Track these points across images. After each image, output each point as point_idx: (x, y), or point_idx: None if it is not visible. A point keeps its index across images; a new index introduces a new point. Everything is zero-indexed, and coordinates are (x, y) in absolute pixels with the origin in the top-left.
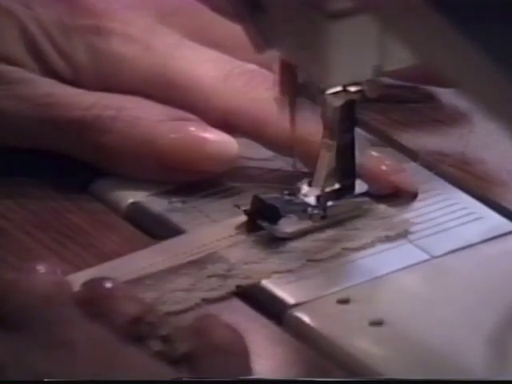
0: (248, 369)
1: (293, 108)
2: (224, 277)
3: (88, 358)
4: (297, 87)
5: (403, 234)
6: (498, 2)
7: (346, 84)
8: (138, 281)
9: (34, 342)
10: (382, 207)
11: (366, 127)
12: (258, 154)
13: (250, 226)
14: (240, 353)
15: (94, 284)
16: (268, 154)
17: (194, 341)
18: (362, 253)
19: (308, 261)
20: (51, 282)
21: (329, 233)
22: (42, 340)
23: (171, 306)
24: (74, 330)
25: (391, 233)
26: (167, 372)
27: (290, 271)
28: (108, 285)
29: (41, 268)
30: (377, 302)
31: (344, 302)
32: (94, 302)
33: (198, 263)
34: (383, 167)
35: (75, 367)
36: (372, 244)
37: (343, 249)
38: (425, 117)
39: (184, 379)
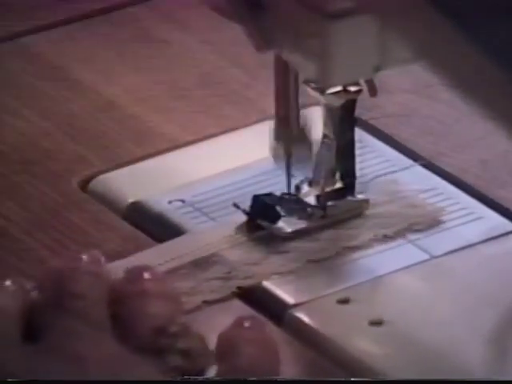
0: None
1: (289, 156)
2: (224, 279)
3: (100, 373)
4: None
5: (402, 234)
6: (497, 2)
7: (346, 84)
8: None
9: (48, 354)
10: (381, 207)
11: (366, 127)
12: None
13: (250, 226)
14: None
15: (132, 278)
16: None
17: (218, 358)
18: (362, 253)
19: (308, 261)
20: (92, 272)
21: (329, 233)
22: (55, 352)
23: None
24: (89, 344)
25: (390, 232)
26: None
27: (290, 271)
28: (147, 276)
29: (84, 257)
30: (377, 302)
31: (344, 301)
32: (126, 299)
33: (198, 265)
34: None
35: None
36: (371, 244)
37: (343, 249)
38: (425, 116)
39: (184, 379)
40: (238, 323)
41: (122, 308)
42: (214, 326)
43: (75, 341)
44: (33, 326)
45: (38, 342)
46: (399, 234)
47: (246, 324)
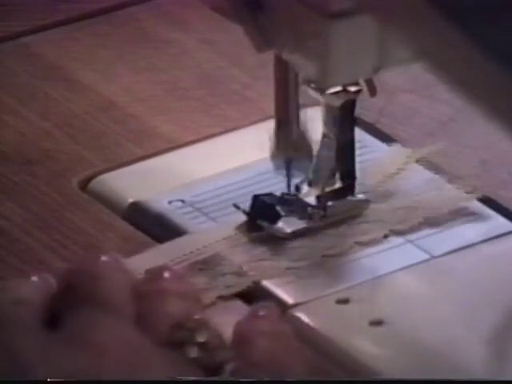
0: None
1: (289, 156)
2: (225, 280)
3: (117, 360)
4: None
5: (402, 234)
6: (497, 2)
7: (346, 84)
8: None
9: (67, 342)
10: (381, 206)
11: (366, 127)
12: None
13: (250, 226)
14: (279, 370)
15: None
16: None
17: (234, 351)
18: (362, 253)
19: (308, 261)
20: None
21: (329, 232)
22: (75, 340)
23: None
24: (106, 332)
25: (390, 232)
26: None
27: (289, 271)
28: (166, 275)
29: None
30: (377, 302)
31: (344, 301)
32: (146, 297)
33: (198, 267)
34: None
35: (103, 369)
36: (371, 243)
37: (343, 249)
38: (425, 116)
39: (184, 379)
40: (254, 313)
41: (142, 306)
42: (214, 326)
43: (94, 329)
44: (56, 318)
45: (58, 332)
46: (400, 234)
47: (261, 313)
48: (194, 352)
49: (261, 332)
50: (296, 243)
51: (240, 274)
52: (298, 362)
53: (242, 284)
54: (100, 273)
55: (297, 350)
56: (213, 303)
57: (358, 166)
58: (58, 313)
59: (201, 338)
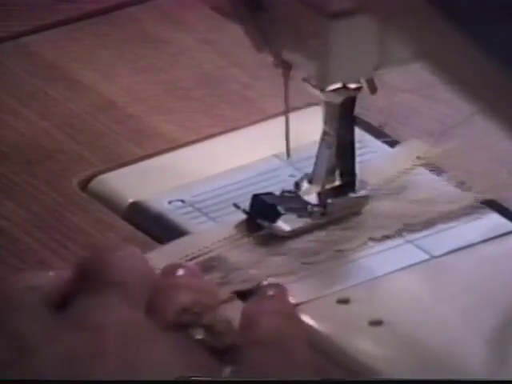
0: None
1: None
2: (225, 282)
3: (117, 340)
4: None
5: (402, 233)
6: (498, 2)
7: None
8: None
9: (70, 323)
10: (381, 205)
11: (366, 127)
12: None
13: (250, 226)
14: (287, 349)
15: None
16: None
17: (239, 332)
18: (362, 253)
19: (308, 261)
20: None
21: (329, 232)
22: (77, 321)
23: None
24: (109, 313)
25: (390, 232)
26: (205, 362)
27: (290, 272)
28: (181, 272)
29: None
30: (377, 302)
31: (344, 301)
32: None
33: (200, 267)
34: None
35: (103, 348)
36: (371, 243)
37: (343, 249)
38: (425, 116)
39: (184, 379)
40: (262, 294)
41: (155, 298)
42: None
43: (96, 310)
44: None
45: (63, 313)
46: (397, 233)
47: (269, 292)
48: (199, 333)
49: (267, 311)
50: (294, 244)
51: (226, 279)
52: (305, 342)
53: (244, 284)
54: (114, 259)
55: (304, 329)
56: (229, 298)
57: (362, 166)
58: (69, 299)
59: (207, 321)
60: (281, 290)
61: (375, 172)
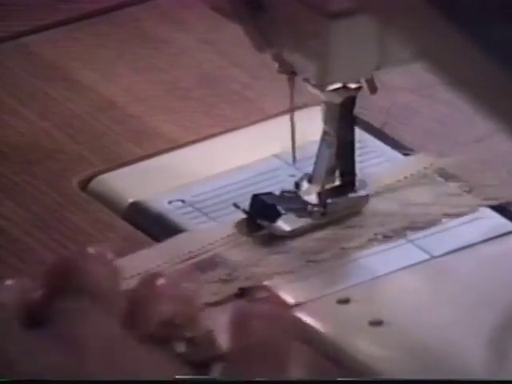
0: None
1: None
2: (225, 281)
3: (100, 354)
4: None
5: (402, 233)
6: (498, 2)
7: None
8: None
9: (48, 336)
10: (381, 205)
11: (366, 127)
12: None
13: (250, 226)
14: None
15: (147, 282)
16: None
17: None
18: (362, 253)
19: (308, 261)
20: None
21: (328, 232)
22: (55, 334)
23: None
24: (88, 325)
25: (390, 231)
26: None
27: (290, 271)
28: (160, 282)
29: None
30: (377, 302)
31: (344, 301)
32: (139, 302)
33: (198, 267)
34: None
35: (86, 363)
36: (371, 243)
37: (343, 248)
38: (425, 116)
39: (184, 379)
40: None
41: (133, 308)
42: (214, 326)
43: (75, 322)
44: (36, 317)
45: (40, 329)
46: (399, 233)
47: (260, 295)
48: (181, 347)
49: (257, 315)
50: (294, 244)
51: (228, 280)
52: (295, 345)
53: (240, 286)
54: (84, 266)
55: (293, 332)
56: (214, 303)
57: (365, 172)
58: (38, 312)
59: (189, 334)
60: (271, 293)
61: (379, 179)
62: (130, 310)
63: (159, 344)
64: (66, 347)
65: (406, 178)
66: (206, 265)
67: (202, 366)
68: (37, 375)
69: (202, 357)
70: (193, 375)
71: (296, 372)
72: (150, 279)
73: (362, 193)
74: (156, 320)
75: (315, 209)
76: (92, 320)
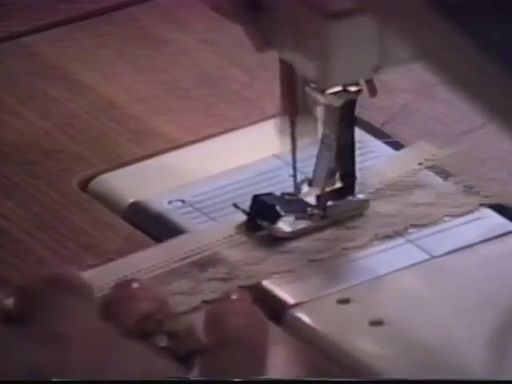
0: (260, 367)
1: (293, 126)
2: (224, 279)
3: (85, 351)
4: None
5: (402, 234)
6: (498, 2)
7: (346, 84)
8: None
9: (31, 335)
10: (381, 206)
11: (366, 127)
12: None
13: (250, 226)
14: (252, 349)
15: (122, 286)
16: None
17: (208, 335)
18: (362, 253)
19: (308, 261)
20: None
21: (328, 232)
22: (39, 333)
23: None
24: (72, 323)
25: (390, 232)
26: (170, 368)
27: (290, 271)
28: (135, 285)
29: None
30: (377, 302)
31: (344, 301)
32: (115, 303)
33: (198, 265)
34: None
35: (71, 360)
36: (371, 243)
37: (343, 249)
38: (425, 116)
39: (184, 379)
40: (225, 297)
41: (111, 308)
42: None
43: (57, 319)
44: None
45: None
46: (399, 233)
47: (233, 297)
48: (163, 341)
49: (232, 311)
50: (293, 244)
51: (227, 278)
52: (270, 340)
53: (239, 285)
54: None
55: (268, 327)
56: (197, 307)
57: (366, 168)
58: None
59: (169, 327)
60: (244, 295)
61: (379, 174)
62: (109, 309)
63: (142, 339)
64: (51, 344)
65: (406, 172)
66: (206, 263)
67: (186, 358)
68: (22, 374)
69: (184, 350)
70: (177, 368)
71: (278, 363)
72: (124, 284)
73: (362, 196)
74: (134, 316)
75: (315, 211)
76: (76, 316)
